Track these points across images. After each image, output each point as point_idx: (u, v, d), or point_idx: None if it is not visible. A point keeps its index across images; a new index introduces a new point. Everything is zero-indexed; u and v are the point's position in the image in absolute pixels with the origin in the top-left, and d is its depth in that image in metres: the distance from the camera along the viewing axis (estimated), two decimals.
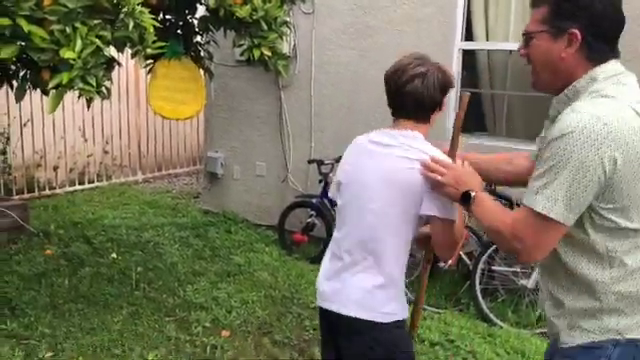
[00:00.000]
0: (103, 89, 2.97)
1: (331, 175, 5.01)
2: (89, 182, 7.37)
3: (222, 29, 3.92)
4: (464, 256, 4.43)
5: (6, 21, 2.38)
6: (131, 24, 2.72)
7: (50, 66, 2.69)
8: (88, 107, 3.16)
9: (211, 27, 3.89)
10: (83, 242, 5.34)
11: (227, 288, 4.47)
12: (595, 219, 1.53)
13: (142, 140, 8.02)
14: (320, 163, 5.13)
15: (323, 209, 5.13)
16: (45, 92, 3.11)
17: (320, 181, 5.18)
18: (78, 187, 7.21)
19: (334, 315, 2.08)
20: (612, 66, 1.56)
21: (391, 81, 2.01)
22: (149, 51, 2.89)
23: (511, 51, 4.59)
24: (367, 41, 5.19)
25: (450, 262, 4.31)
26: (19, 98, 3.01)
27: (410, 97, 1.98)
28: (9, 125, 6.48)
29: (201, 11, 4.17)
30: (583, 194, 1.46)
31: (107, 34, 2.75)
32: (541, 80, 1.67)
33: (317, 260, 5.11)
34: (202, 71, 4.27)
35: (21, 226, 5.34)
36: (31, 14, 2.50)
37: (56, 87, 2.66)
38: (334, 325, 2.13)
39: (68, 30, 2.60)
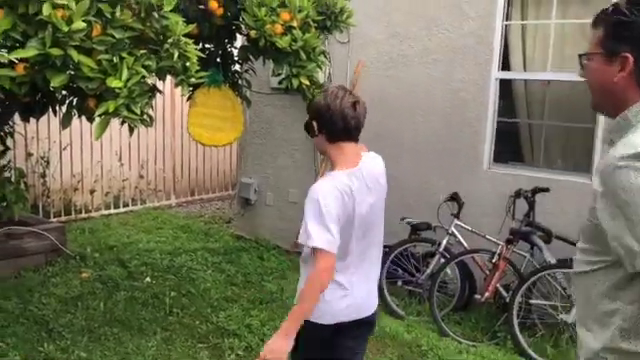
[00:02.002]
0: (146, 117, 3.02)
1: None
2: (124, 206, 7.48)
3: (261, 58, 3.99)
4: (501, 288, 4.34)
5: (58, 51, 2.45)
6: (176, 54, 2.78)
7: (96, 94, 2.76)
8: (131, 134, 3.21)
9: (251, 56, 3.95)
10: (118, 265, 5.40)
11: (260, 315, 4.45)
12: None
13: (176, 165, 8.14)
14: None
15: None
16: (90, 119, 3.18)
17: None
18: (113, 210, 7.32)
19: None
20: None
21: (348, 109, 2.30)
22: (192, 80, 2.94)
23: (549, 81, 4.55)
24: (402, 70, 5.21)
25: (487, 294, 4.23)
26: (66, 125, 3.08)
27: (361, 121, 2.37)
28: (49, 149, 6.64)
29: (239, 41, 4.26)
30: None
31: (152, 64, 2.81)
32: (596, 102, 1.61)
33: None
34: (239, 99, 4.33)
35: (58, 249, 5.43)
36: (80, 44, 2.56)
37: (102, 115, 2.71)
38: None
39: (115, 60, 2.66)
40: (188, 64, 2.90)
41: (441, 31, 4.95)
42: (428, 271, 4.63)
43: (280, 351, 2.19)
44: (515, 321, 4.09)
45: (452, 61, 4.90)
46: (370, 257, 2.44)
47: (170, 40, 2.78)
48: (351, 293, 2.35)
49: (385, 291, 4.70)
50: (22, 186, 4.18)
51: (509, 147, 4.91)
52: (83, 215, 7.00)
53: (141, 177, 7.80)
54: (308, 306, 2.21)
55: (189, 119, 4.17)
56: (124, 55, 2.70)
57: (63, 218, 6.74)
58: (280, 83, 4.09)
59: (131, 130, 3.14)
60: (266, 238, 6.24)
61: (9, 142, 4.86)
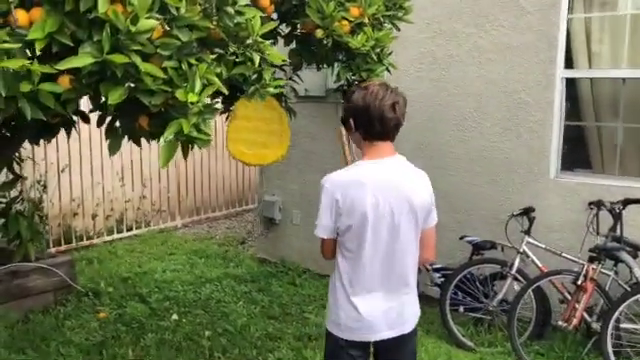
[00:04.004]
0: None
1: None
2: (127, 229, 6.84)
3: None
4: (584, 313, 3.86)
5: (122, 58, 1.88)
6: (257, 59, 2.23)
7: (159, 112, 2.19)
8: (185, 157, 2.65)
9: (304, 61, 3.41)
10: (138, 301, 4.79)
11: (315, 357, 3.89)
12: None
13: (181, 182, 7.51)
14: None
15: None
16: (137, 142, 2.61)
17: None
18: (116, 236, 6.68)
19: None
20: None
21: (387, 111, 2.20)
22: (270, 90, 2.39)
23: (624, 79, 4.11)
24: (447, 71, 4.73)
25: (575, 321, 3.75)
26: (114, 151, 2.48)
27: (400, 122, 2.26)
28: (46, 172, 5.98)
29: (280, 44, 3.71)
30: None
31: (224, 71, 2.26)
32: None
33: None
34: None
35: (68, 285, 4.80)
36: (141, 49, 2.00)
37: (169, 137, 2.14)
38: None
39: (184, 67, 2.10)
40: (264, 72, 2.36)
41: (494, 27, 4.47)
42: (500, 296, 4.13)
43: None
44: (610, 351, 3.62)
45: (509, 60, 4.43)
46: (394, 271, 2.27)
47: (249, 41, 2.23)
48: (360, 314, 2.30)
49: (449, 319, 4.20)
50: (37, 220, 3.55)
51: (577, 153, 4.46)
52: (84, 242, 6.36)
53: (144, 197, 7.17)
54: None
55: (228, 135, 3.60)
56: (192, 61, 2.15)
57: (63, 247, 6.10)
58: (337, 90, 3.58)
59: (186, 153, 2.60)
60: (294, 261, 5.69)
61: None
